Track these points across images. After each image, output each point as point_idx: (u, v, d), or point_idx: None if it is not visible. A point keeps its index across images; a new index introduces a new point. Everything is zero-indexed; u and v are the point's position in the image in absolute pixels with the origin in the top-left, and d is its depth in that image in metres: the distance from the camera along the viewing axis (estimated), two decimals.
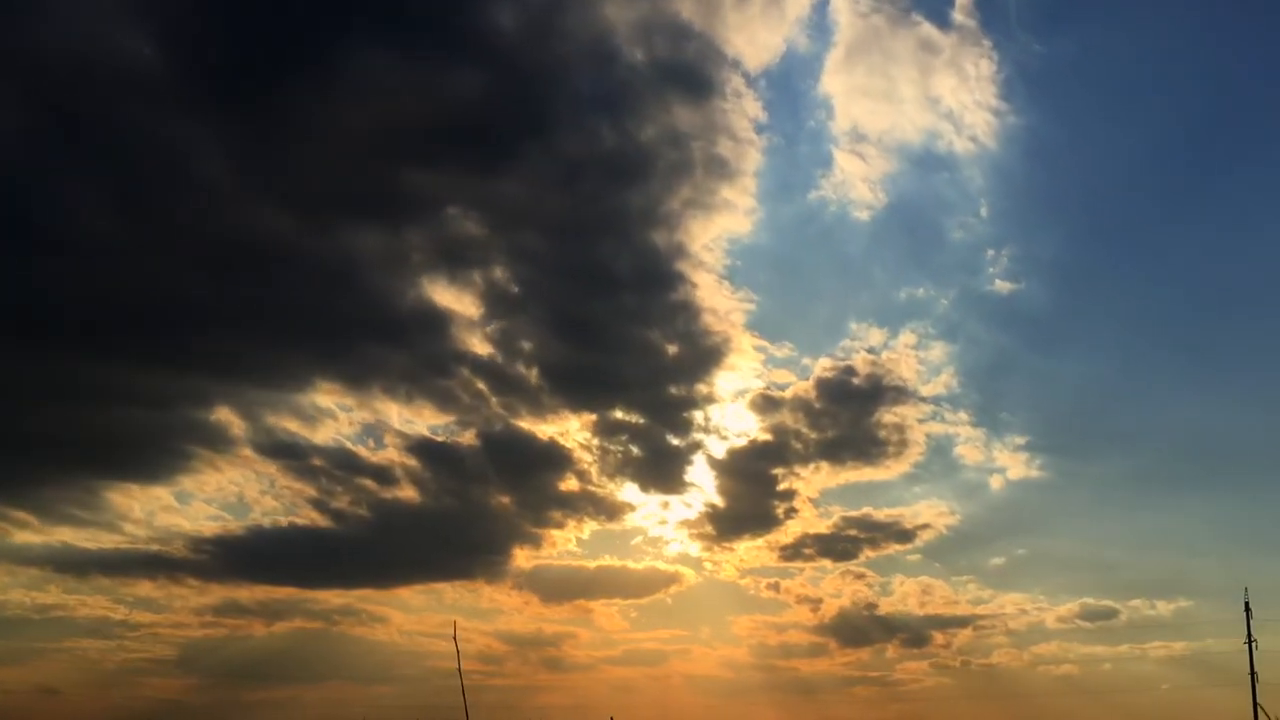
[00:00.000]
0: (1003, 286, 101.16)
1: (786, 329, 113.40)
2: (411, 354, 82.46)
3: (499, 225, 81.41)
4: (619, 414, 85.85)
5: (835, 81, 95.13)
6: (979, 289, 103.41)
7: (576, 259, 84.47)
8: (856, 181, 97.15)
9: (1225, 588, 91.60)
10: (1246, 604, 55.78)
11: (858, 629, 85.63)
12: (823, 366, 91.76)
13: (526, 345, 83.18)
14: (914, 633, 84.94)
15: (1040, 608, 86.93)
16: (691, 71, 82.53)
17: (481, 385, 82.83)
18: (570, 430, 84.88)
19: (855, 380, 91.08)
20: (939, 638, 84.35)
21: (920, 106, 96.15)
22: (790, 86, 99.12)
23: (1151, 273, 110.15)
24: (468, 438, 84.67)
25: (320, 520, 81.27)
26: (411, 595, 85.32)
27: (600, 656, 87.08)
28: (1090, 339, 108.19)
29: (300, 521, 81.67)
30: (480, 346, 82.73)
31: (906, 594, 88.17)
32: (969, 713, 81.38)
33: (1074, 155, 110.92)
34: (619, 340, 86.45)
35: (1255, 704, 54.49)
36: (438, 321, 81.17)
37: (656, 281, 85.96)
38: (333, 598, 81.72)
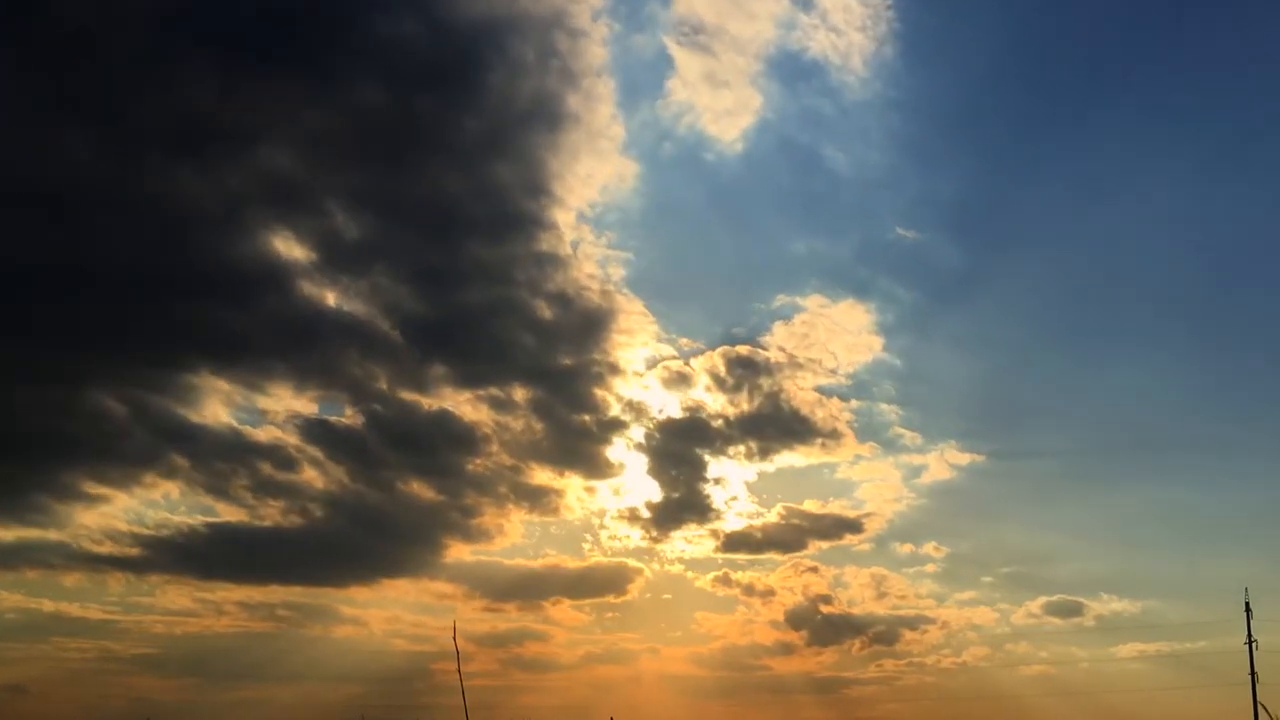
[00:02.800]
0: (908, 235, 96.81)
1: (674, 289, 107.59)
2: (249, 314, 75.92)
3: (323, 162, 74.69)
4: (518, 391, 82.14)
5: None
6: (882, 238, 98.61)
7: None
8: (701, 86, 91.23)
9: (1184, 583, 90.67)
10: (1247, 604, 56.40)
11: (823, 627, 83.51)
12: (728, 335, 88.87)
13: (384, 306, 77.96)
14: (885, 628, 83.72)
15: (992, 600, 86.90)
16: None
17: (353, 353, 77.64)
18: (459, 403, 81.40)
19: (767, 353, 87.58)
20: (906, 634, 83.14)
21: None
22: None
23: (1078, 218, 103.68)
24: (351, 416, 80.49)
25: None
26: (345, 592, 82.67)
27: (563, 655, 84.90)
28: (1011, 300, 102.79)
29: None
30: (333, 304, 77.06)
31: (863, 587, 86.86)
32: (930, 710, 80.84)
33: (978, 61, 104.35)
34: (484, 299, 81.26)
35: (1255, 704, 55.23)
36: (277, 277, 74.26)
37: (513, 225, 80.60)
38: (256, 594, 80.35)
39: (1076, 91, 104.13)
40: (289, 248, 73.85)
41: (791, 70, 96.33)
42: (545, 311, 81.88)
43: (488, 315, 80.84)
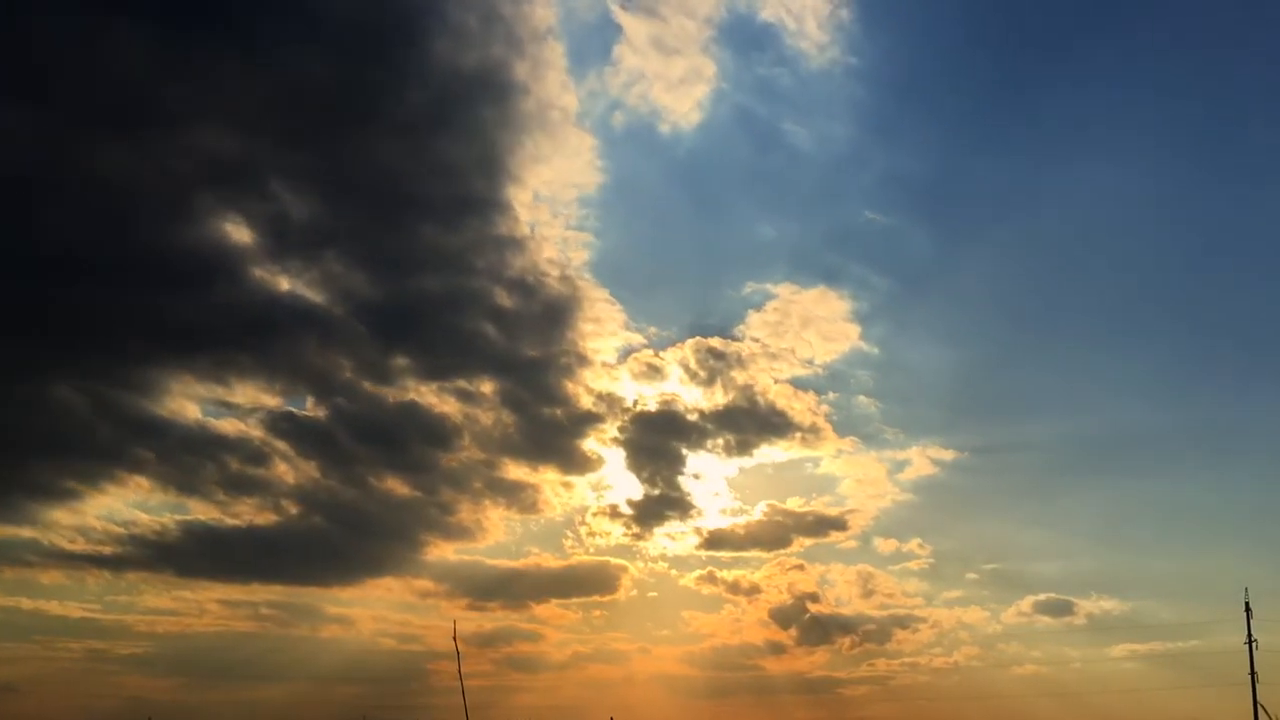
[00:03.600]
0: (877, 218, 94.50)
1: (639, 275, 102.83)
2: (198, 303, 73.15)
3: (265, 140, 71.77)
4: (485, 383, 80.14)
5: None
6: (852, 221, 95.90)
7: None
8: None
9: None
10: (1247, 604, 56.01)
11: (812, 626, 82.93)
12: (699, 325, 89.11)
13: (340, 293, 75.53)
14: (875, 628, 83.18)
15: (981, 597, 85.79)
16: None
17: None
18: (425, 395, 79.30)
19: (741, 344, 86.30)
20: (895, 634, 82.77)
21: None
22: None
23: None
24: (316, 408, 78.59)
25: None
26: (329, 591, 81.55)
27: (554, 655, 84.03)
28: (988, 285, 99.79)
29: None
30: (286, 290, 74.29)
31: (849, 585, 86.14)
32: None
33: (941, 25, 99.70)
34: (443, 286, 78.96)
35: (1255, 703, 54.87)
36: (227, 264, 71.49)
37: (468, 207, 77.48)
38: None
39: (1049, 56, 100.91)
40: (237, 232, 71.54)
41: (744, 36, 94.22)
42: (507, 300, 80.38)
43: (448, 303, 79.25)
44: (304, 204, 73.08)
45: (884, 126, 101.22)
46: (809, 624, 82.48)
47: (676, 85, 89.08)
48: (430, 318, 79.29)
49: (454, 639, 31.71)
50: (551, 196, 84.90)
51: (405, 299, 77.70)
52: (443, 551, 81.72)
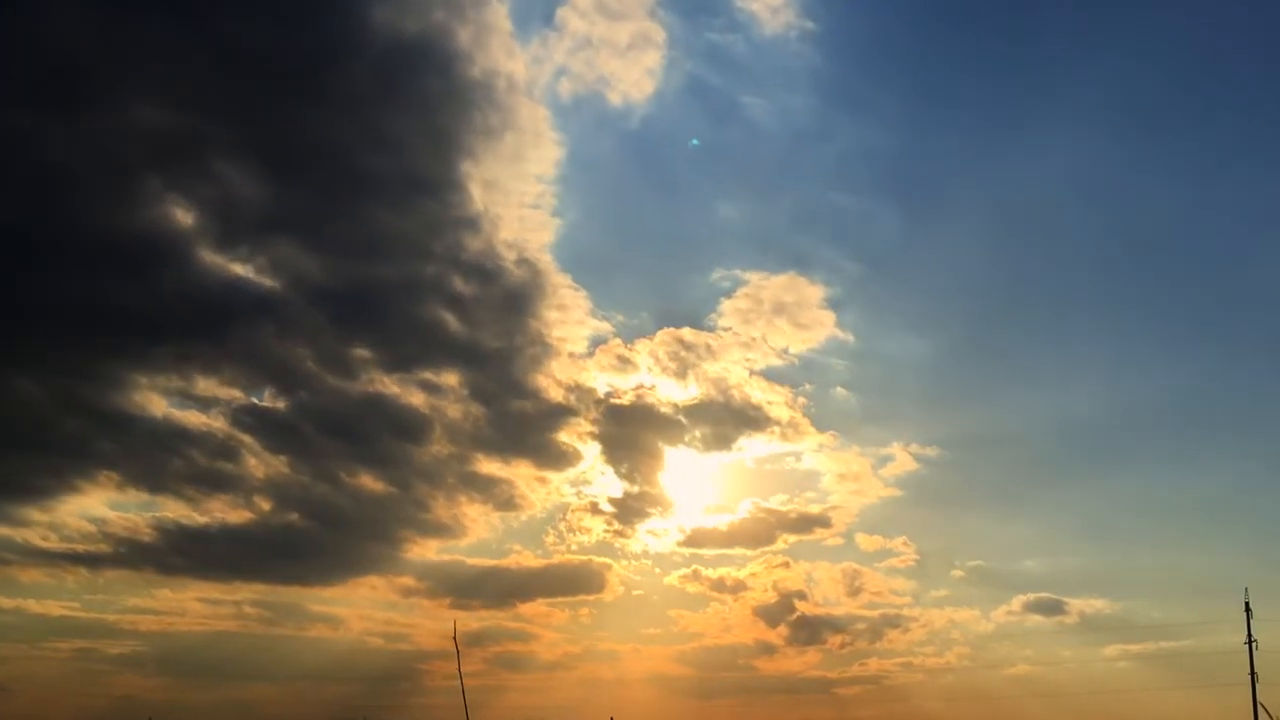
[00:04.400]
0: (844, 199, 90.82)
1: (600, 260, 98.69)
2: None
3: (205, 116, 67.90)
4: (450, 375, 78.13)
5: None
6: (817, 201, 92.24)
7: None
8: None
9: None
10: (1247, 604, 56.00)
11: (800, 625, 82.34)
12: (668, 314, 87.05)
13: (292, 280, 72.77)
14: (864, 627, 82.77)
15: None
16: None
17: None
18: (389, 387, 77.56)
19: (713, 335, 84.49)
20: (884, 633, 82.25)
21: None
22: None
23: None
24: (278, 401, 76.78)
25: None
26: (311, 590, 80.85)
27: (544, 654, 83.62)
28: (965, 270, 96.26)
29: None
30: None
31: (835, 583, 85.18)
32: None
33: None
34: (400, 271, 76.02)
35: (1255, 703, 54.78)
36: (175, 250, 68.69)
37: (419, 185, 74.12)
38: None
39: (1022, 18, 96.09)
40: (184, 216, 69.09)
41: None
42: (467, 286, 78.08)
43: (405, 290, 76.91)
44: (250, 184, 70.37)
45: (847, 97, 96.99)
46: (798, 623, 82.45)
47: (625, 52, 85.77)
48: (388, 306, 77.23)
49: (454, 639, 32.45)
50: (505, 173, 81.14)
51: (361, 286, 75.32)
52: (424, 549, 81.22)
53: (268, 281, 73.39)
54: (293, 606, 79.38)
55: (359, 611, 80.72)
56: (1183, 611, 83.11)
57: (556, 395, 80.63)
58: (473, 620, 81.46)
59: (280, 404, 77.26)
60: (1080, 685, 76.00)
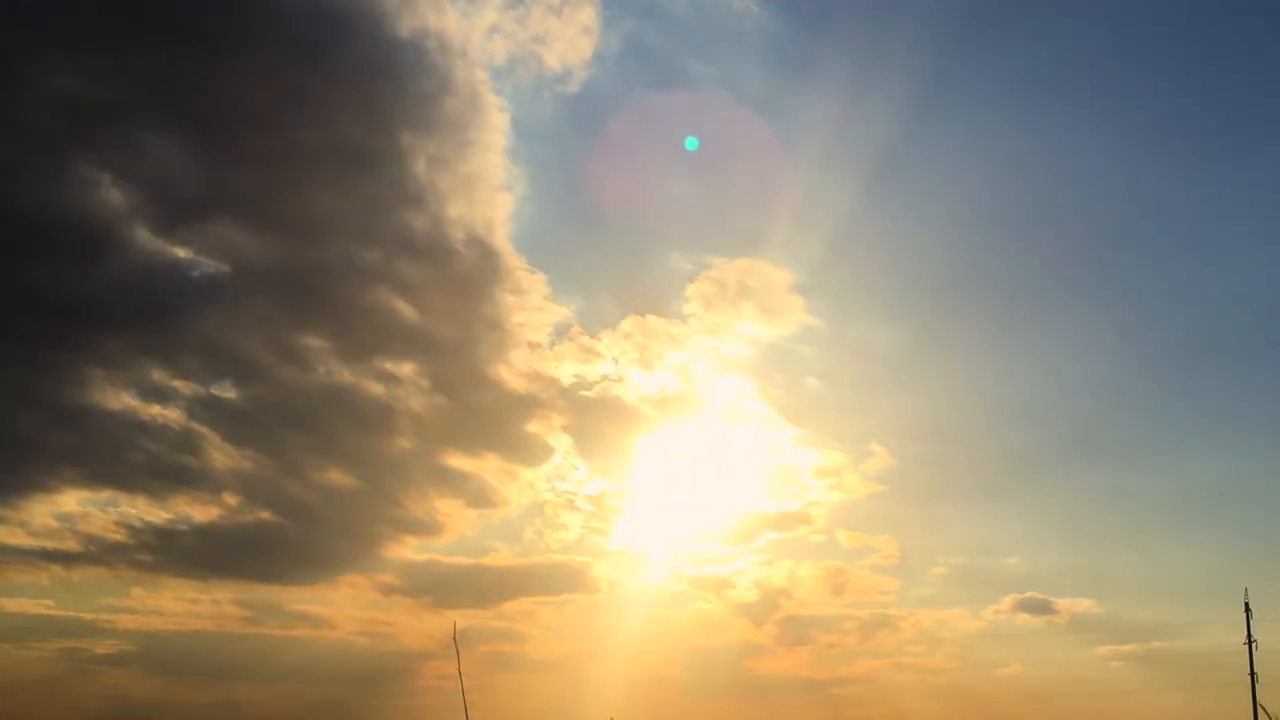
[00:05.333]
0: (805, 176, 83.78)
1: (553, 240, 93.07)
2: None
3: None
4: (406, 365, 74.95)
5: None
6: (776, 179, 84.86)
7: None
8: None
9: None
10: (1246, 605, 55.42)
11: (788, 624, 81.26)
12: (630, 300, 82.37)
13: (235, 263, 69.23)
14: (853, 625, 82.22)
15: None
16: None
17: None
18: (349, 378, 74.76)
19: (679, 323, 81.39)
20: (873, 632, 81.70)
21: None
22: None
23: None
24: (235, 392, 73.01)
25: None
26: (291, 590, 78.32)
27: (534, 654, 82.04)
28: (937, 252, 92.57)
29: None
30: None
31: (819, 581, 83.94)
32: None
33: None
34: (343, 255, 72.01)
35: (1255, 704, 54.34)
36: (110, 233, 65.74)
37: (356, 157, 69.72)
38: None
39: None
40: (114, 196, 65.37)
41: None
42: (417, 269, 74.31)
43: (353, 273, 72.65)
44: (182, 161, 66.52)
45: (796, 63, 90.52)
46: (784, 622, 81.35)
47: (559, 8, 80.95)
48: (336, 291, 73.15)
49: (454, 640, 31.01)
50: (447, 144, 75.52)
51: (306, 270, 71.83)
52: (402, 547, 78.88)
53: (211, 265, 69.99)
54: (273, 606, 77.31)
55: (342, 611, 78.70)
56: (1168, 607, 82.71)
57: (521, 386, 78.18)
58: (459, 619, 78.78)
59: (238, 395, 73.81)
60: (1068, 682, 76.02)
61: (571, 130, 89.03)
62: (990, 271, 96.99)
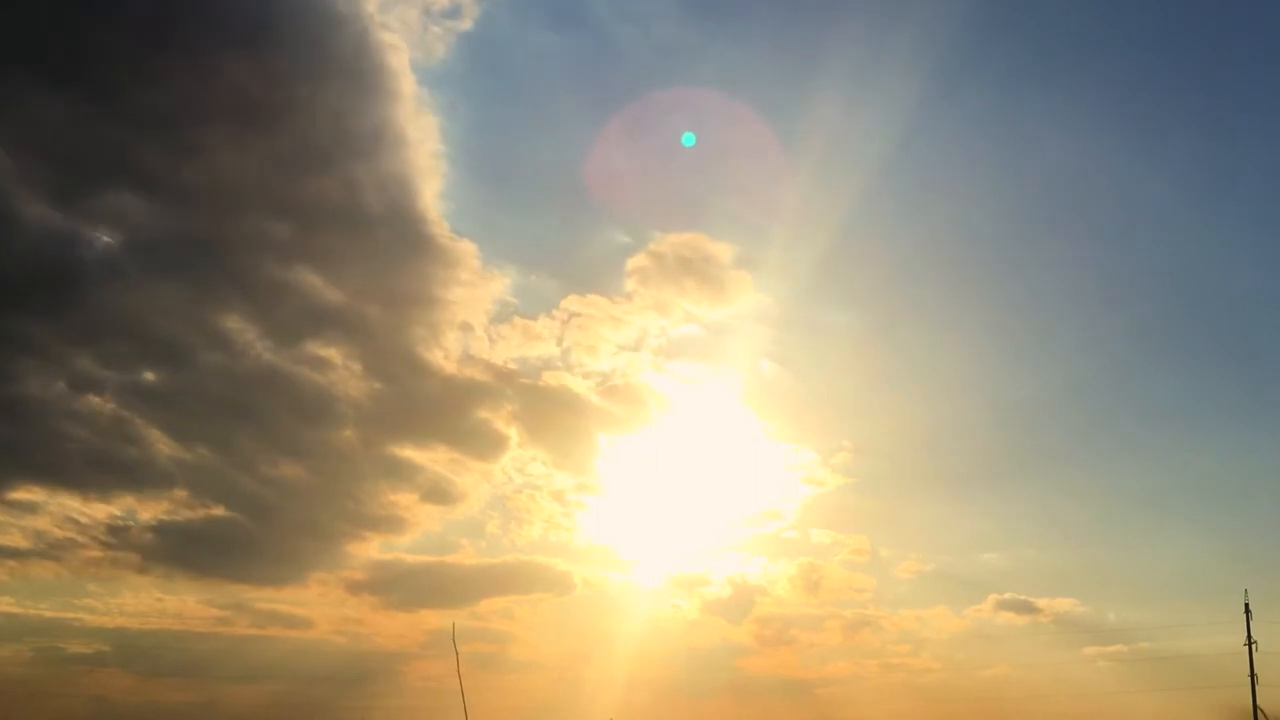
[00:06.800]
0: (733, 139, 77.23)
1: (482, 206, 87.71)
2: None
3: None
4: (336, 349, 71.75)
5: None
6: (702, 140, 79.66)
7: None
8: None
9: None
10: (1246, 605, 54.88)
11: (767, 623, 79.88)
12: (570, 277, 79.95)
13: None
14: (836, 625, 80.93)
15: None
16: None
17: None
18: (286, 363, 71.73)
19: (621, 305, 78.17)
20: (853, 631, 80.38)
21: None
22: None
23: None
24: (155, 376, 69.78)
25: None
26: (263, 591, 76.13)
27: (514, 654, 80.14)
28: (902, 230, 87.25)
29: None
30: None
31: (793, 579, 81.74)
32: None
33: None
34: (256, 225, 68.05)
35: (1255, 706, 53.66)
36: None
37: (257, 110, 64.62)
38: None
39: None
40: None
41: None
42: (336, 242, 70.58)
43: (266, 247, 69.05)
44: (68, 123, 62.36)
45: (712, 7, 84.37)
46: (763, 620, 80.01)
47: None
48: (249, 267, 69.77)
49: (453, 640, 29.45)
50: (346, 94, 69.35)
51: (215, 243, 67.95)
52: (367, 546, 76.41)
53: (108, 238, 66.49)
54: (243, 605, 75.56)
55: (317, 611, 77.06)
56: (1151, 607, 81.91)
57: (457, 370, 74.94)
58: (435, 619, 77.91)
59: (163, 382, 70.44)
60: (1057, 683, 75.10)
61: (474, 75, 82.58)
62: (960, 254, 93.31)
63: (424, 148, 74.38)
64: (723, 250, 78.74)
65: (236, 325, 71.16)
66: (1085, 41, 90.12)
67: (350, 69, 67.64)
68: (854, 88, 76.32)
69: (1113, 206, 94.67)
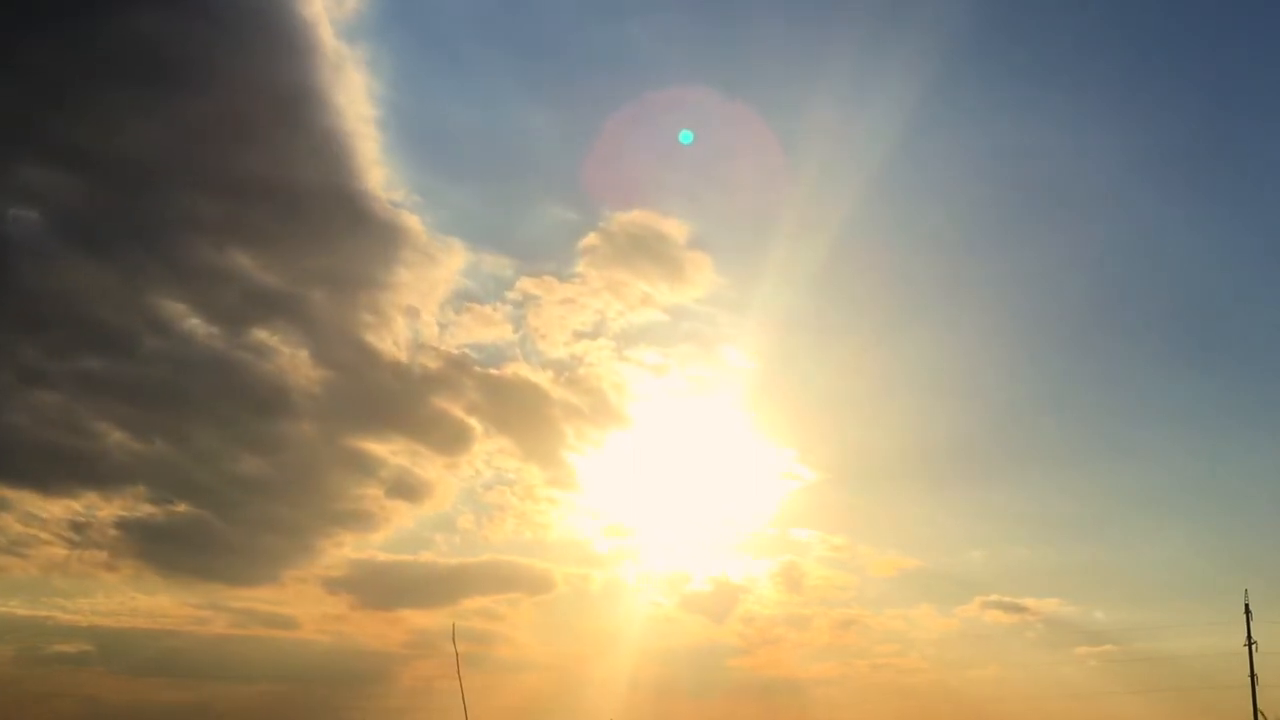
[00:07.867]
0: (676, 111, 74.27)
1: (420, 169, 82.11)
2: None
3: None
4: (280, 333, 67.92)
5: None
6: (650, 107, 77.13)
7: None
8: None
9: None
10: (1246, 606, 54.28)
11: (749, 621, 78.60)
12: (514, 255, 76.01)
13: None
14: (823, 624, 79.76)
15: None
16: None
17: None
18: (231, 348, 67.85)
19: (573, 290, 75.82)
20: (838, 631, 79.22)
21: None
22: None
23: None
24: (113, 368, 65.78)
25: None
26: (241, 591, 73.71)
27: (500, 654, 77.84)
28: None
29: None
30: None
31: (773, 577, 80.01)
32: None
33: None
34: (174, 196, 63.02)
35: (1255, 707, 53.13)
36: None
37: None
38: None
39: None
40: None
41: None
42: (266, 218, 65.98)
43: (189, 225, 64.21)
44: None
45: None
46: (747, 618, 78.61)
47: None
48: (180, 248, 64.80)
49: (453, 640, 28.50)
50: (264, 48, 63.53)
51: (140, 222, 62.97)
52: (339, 544, 73.53)
53: (28, 214, 62.13)
54: (220, 604, 73.09)
55: (301, 610, 74.50)
56: (1140, 607, 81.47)
57: (408, 358, 71.72)
58: (418, 619, 75.87)
59: (107, 370, 66.68)
60: (1048, 683, 74.62)
61: (399, 30, 76.60)
62: (951, 252, 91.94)
63: (354, 112, 69.29)
64: (676, 229, 75.97)
65: (177, 311, 67.50)
66: (1085, 41, 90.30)
67: (263, 21, 62.79)
68: (854, 88, 75.53)
69: (1111, 206, 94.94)
